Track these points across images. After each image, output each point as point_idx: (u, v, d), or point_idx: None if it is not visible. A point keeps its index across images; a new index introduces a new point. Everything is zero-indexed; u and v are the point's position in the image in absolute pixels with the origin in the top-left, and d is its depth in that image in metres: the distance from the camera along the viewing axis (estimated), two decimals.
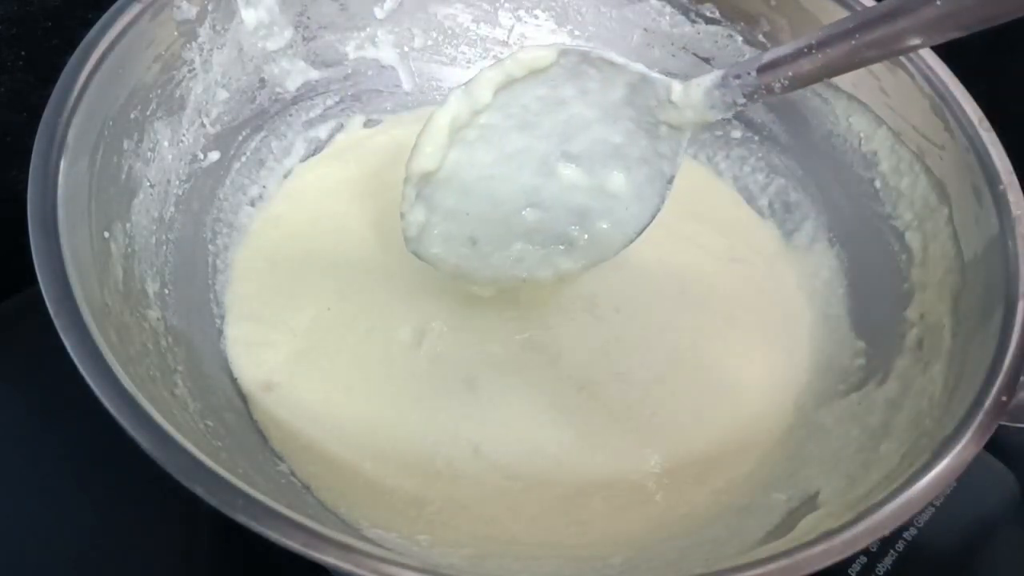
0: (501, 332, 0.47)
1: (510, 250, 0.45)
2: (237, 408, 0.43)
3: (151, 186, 0.44)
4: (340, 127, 0.57)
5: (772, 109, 0.56)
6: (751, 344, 0.50)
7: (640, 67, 0.41)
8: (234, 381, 0.44)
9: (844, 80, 0.50)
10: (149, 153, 0.43)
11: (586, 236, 0.45)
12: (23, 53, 0.52)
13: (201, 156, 0.48)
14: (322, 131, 0.56)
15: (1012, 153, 0.43)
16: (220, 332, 0.46)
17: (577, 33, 0.59)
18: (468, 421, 0.44)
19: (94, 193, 0.38)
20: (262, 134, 0.53)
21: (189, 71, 0.46)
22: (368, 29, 0.56)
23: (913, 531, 0.46)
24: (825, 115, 0.52)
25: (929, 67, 0.46)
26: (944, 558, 0.45)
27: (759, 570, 0.31)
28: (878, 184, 0.50)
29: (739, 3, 0.53)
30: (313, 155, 0.56)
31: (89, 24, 0.40)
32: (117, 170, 0.41)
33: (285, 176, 0.54)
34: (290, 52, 0.53)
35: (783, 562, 0.31)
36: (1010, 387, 0.36)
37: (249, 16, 0.49)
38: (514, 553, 0.40)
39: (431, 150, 0.42)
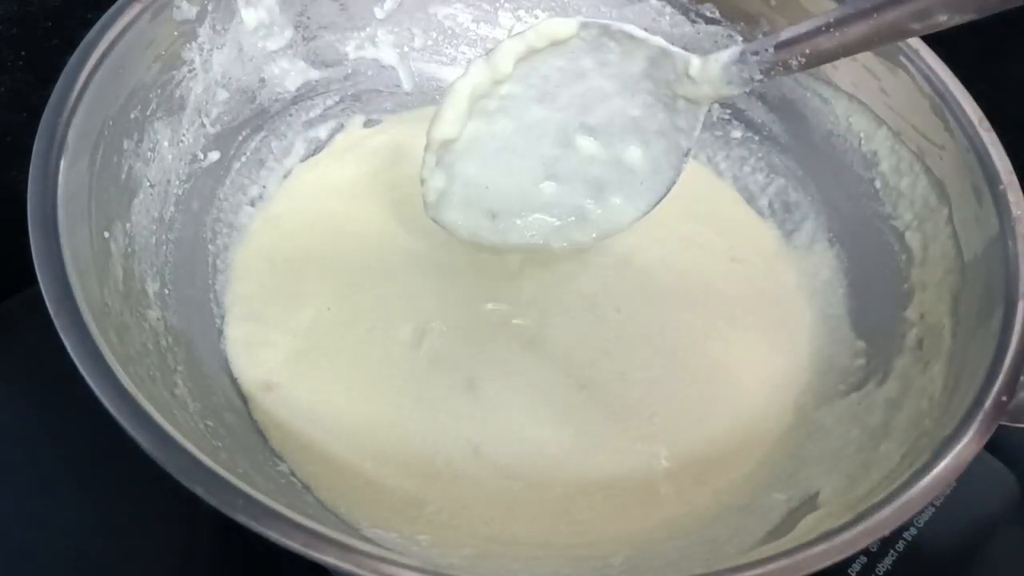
0: (501, 332, 0.47)
1: (527, 221, 0.46)
2: (237, 408, 0.43)
3: (151, 186, 0.44)
4: (340, 127, 0.57)
5: (772, 109, 0.56)
6: (751, 344, 0.50)
7: (660, 40, 0.41)
8: (234, 381, 0.44)
9: (844, 80, 0.50)
10: (149, 153, 0.43)
11: (600, 210, 0.46)
12: (23, 53, 0.52)
13: (201, 156, 0.48)
14: (322, 131, 0.56)
15: (1012, 153, 0.43)
16: (220, 332, 0.46)
17: None
18: (468, 421, 0.44)
19: (94, 193, 0.38)
20: (262, 134, 0.53)
21: (189, 71, 0.46)
22: (368, 29, 0.56)
23: (913, 531, 0.46)
24: (825, 115, 0.52)
25: (929, 67, 0.46)
26: (944, 558, 0.45)
27: (759, 570, 0.31)
28: (878, 184, 0.50)
29: (739, 3, 0.53)
30: (313, 155, 0.56)
31: (89, 24, 0.40)
32: (117, 170, 0.41)
33: (285, 176, 0.54)
34: (290, 52, 0.53)
35: (783, 562, 0.31)
36: (1010, 387, 0.36)
37: (249, 16, 0.49)
38: (514, 553, 0.40)
39: (451, 117, 0.42)
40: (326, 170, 0.55)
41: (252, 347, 0.46)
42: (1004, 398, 0.36)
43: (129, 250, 0.40)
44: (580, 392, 0.46)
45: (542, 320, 0.48)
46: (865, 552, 0.44)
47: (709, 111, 0.54)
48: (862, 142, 0.51)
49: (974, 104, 0.45)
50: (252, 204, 0.52)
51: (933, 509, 0.46)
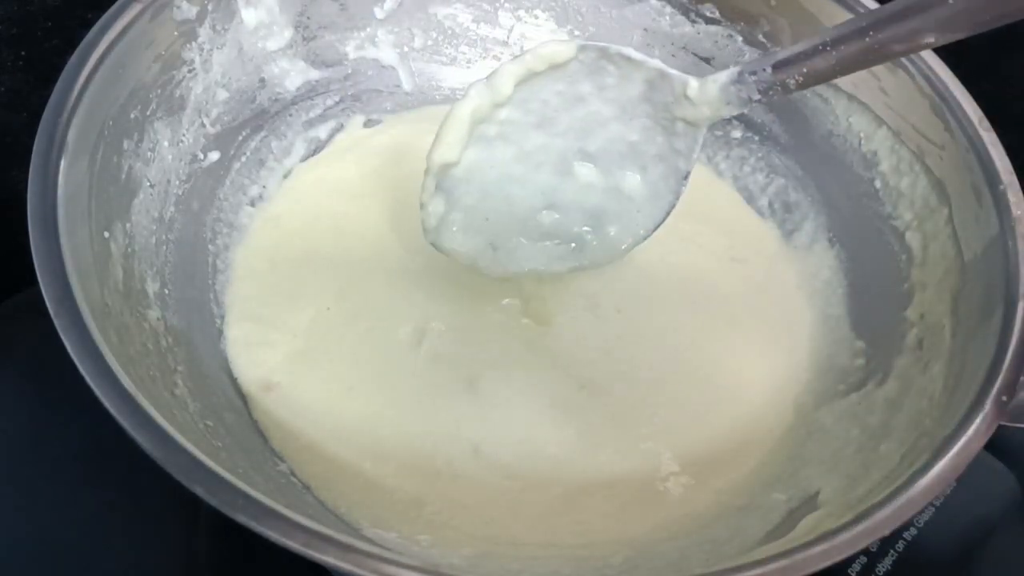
0: (502, 332, 0.47)
1: (526, 252, 0.46)
2: (237, 408, 0.43)
3: (151, 186, 0.44)
4: (340, 127, 0.57)
5: (772, 109, 0.56)
6: (751, 344, 0.50)
7: (658, 63, 0.41)
8: (234, 381, 0.44)
9: (844, 80, 0.50)
10: (149, 153, 0.43)
11: (597, 240, 0.46)
12: (23, 53, 0.52)
13: (201, 156, 0.48)
14: (322, 131, 0.56)
15: (1012, 153, 0.43)
16: (220, 332, 0.46)
17: (577, 33, 0.59)
18: (468, 421, 0.44)
19: (94, 193, 0.38)
20: (262, 134, 0.53)
21: (189, 71, 0.46)
22: (368, 29, 0.56)
23: (913, 531, 0.46)
24: (825, 115, 0.52)
25: (929, 67, 0.46)
26: (944, 558, 0.45)
27: (759, 570, 0.31)
28: (878, 184, 0.50)
29: (739, 3, 0.53)
30: (313, 155, 0.56)
31: (89, 24, 0.40)
32: (117, 170, 0.41)
33: (285, 176, 0.54)
34: (290, 52, 0.53)
35: (783, 562, 0.31)
36: (1010, 387, 0.36)
37: (249, 16, 0.49)
38: (514, 553, 0.40)
39: (452, 139, 0.42)
40: (326, 170, 0.55)
41: (252, 347, 0.46)
42: (1004, 398, 0.36)
43: (129, 250, 0.40)
44: (580, 392, 0.46)
45: (542, 320, 0.48)
46: (865, 552, 0.44)
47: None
48: (862, 142, 0.51)
49: (974, 104, 0.45)
50: (252, 204, 0.52)
51: (933, 509, 0.46)
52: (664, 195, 0.44)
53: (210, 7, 0.46)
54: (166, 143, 0.45)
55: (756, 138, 0.57)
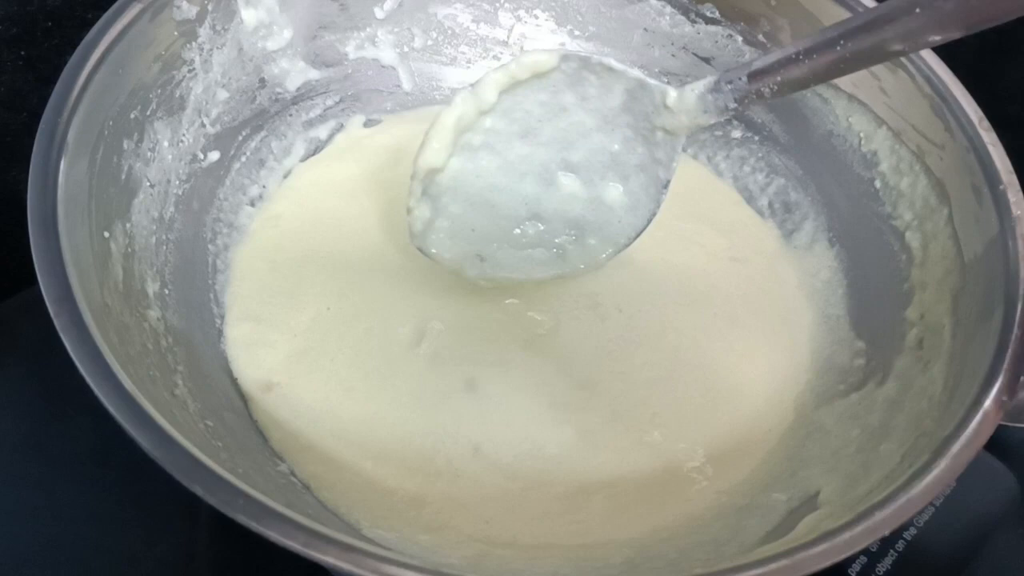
0: (501, 332, 0.47)
1: (511, 261, 0.47)
2: (237, 408, 0.43)
3: (151, 186, 0.44)
4: (340, 127, 0.57)
5: (772, 109, 0.56)
6: (751, 344, 0.50)
7: (637, 73, 0.43)
8: (234, 381, 0.44)
9: (844, 80, 0.50)
10: (149, 153, 0.43)
11: (579, 250, 0.47)
12: (23, 53, 0.52)
13: (201, 156, 0.48)
14: (322, 131, 0.56)
15: (1012, 153, 0.43)
16: (220, 332, 0.46)
17: (577, 33, 0.59)
18: (468, 421, 0.44)
19: (94, 193, 0.38)
20: (262, 134, 0.53)
21: (189, 71, 0.46)
22: (368, 29, 0.56)
23: (913, 531, 0.46)
24: (825, 115, 0.52)
25: (929, 67, 0.46)
26: (944, 558, 0.45)
27: (759, 570, 0.31)
28: (878, 184, 0.50)
29: (739, 3, 0.53)
30: (313, 155, 0.56)
31: (89, 24, 0.40)
32: (117, 170, 0.41)
33: (285, 176, 0.54)
34: (290, 52, 0.53)
35: (783, 562, 0.31)
36: (1010, 387, 0.36)
37: (249, 16, 0.49)
38: (514, 553, 0.40)
39: (437, 146, 0.44)
40: (326, 170, 0.55)
41: (252, 347, 0.46)
42: (1004, 398, 0.36)
43: (129, 250, 0.40)
44: (581, 392, 0.46)
45: (542, 320, 0.48)
46: (865, 552, 0.44)
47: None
48: (862, 142, 0.51)
49: (974, 104, 0.45)
50: (252, 204, 0.52)
51: (933, 509, 0.46)
52: (645, 204, 0.45)
53: (210, 7, 0.46)
54: (166, 143, 0.45)
55: (756, 138, 0.57)
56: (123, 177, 0.41)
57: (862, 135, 0.50)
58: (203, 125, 0.48)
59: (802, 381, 0.49)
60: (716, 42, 0.55)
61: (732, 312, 0.51)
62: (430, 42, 0.59)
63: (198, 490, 0.29)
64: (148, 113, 0.43)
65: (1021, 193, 0.42)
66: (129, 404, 0.31)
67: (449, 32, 0.59)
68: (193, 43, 0.46)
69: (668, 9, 0.56)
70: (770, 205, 0.57)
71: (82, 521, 0.44)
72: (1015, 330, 0.38)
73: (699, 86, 0.41)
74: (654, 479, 0.44)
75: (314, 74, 0.55)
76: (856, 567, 0.44)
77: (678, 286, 0.51)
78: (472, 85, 0.43)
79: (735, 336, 0.50)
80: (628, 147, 0.44)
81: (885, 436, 0.40)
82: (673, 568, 0.38)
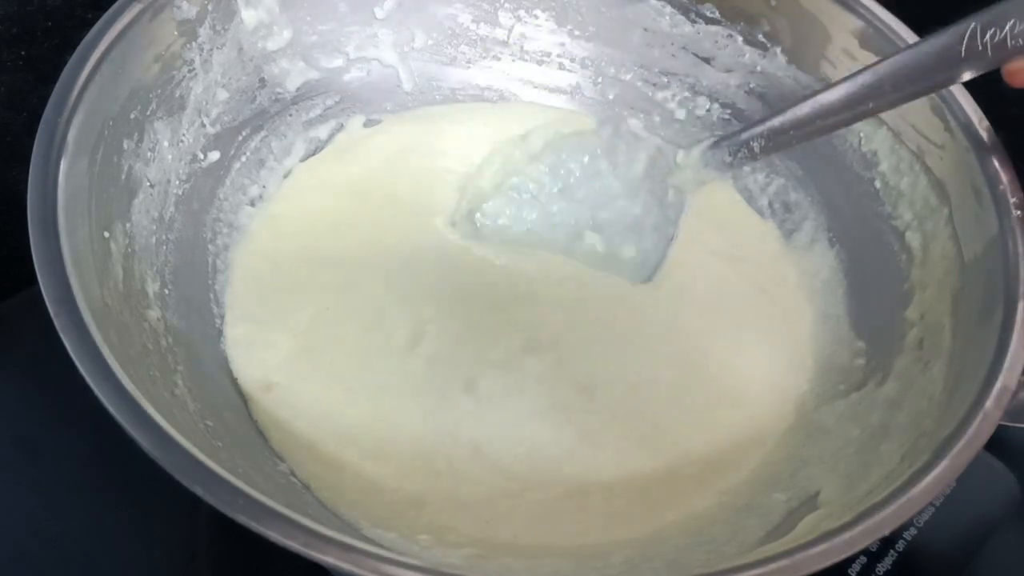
0: (501, 332, 0.47)
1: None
2: (237, 408, 0.43)
3: (151, 186, 0.44)
4: (340, 127, 0.57)
5: (772, 109, 0.56)
6: (751, 344, 0.50)
7: (658, 140, 0.51)
8: (234, 381, 0.44)
9: None
10: (149, 153, 0.43)
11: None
12: (23, 53, 0.52)
13: (201, 156, 0.48)
14: (322, 131, 0.56)
15: (1012, 153, 0.43)
16: (220, 332, 0.46)
17: (577, 33, 0.59)
18: (468, 421, 0.44)
19: (94, 193, 0.38)
20: (262, 134, 0.53)
21: (189, 71, 0.46)
22: (368, 29, 0.56)
23: (913, 531, 0.46)
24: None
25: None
26: (944, 558, 0.45)
27: (759, 570, 0.31)
28: (878, 184, 0.50)
29: (739, 3, 0.53)
30: (313, 155, 0.56)
31: (89, 24, 0.40)
32: (117, 170, 0.41)
33: (285, 176, 0.54)
34: (290, 52, 0.53)
35: (783, 562, 0.31)
36: (1010, 387, 0.36)
37: (249, 16, 0.49)
38: (514, 553, 0.40)
39: (488, 175, 0.52)
40: (326, 170, 0.55)
41: (252, 347, 0.46)
42: (1004, 398, 0.36)
43: (129, 250, 0.40)
44: (581, 392, 0.46)
45: (542, 321, 0.48)
46: (865, 552, 0.44)
47: (708, 111, 0.55)
48: (862, 142, 0.51)
49: (974, 104, 0.45)
50: (252, 204, 0.52)
51: (933, 509, 0.46)
52: (652, 259, 0.51)
53: (210, 7, 0.46)
54: (166, 143, 0.45)
55: None
56: (123, 177, 0.41)
57: (862, 135, 0.50)
58: (203, 125, 0.48)
59: (802, 381, 0.49)
60: (716, 42, 0.55)
61: (732, 312, 0.51)
62: (430, 42, 0.59)
63: (198, 490, 0.29)
64: (148, 113, 0.43)
65: (1021, 193, 0.42)
66: (129, 404, 0.31)
67: (449, 32, 0.59)
68: (193, 43, 0.46)
69: (668, 9, 0.56)
70: (770, 205, 0.57)
71: (81, 521, 0.44)
72: (1015, 330, 0.38)
73: (702, 145, 0.48)
74: (654, 480, 0.44)
75: (314, 74, 0.55)
76: (856, 567, 0.44)
77: (678, 286, 0.51)
78: (522, 136, 0.52)
79: (735, 336, 0.50)
80: (646, 210, 0.50)
81: (885, 436, 0.40)
82: (673, 568, 0.38)
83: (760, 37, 0.54)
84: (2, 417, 0.47)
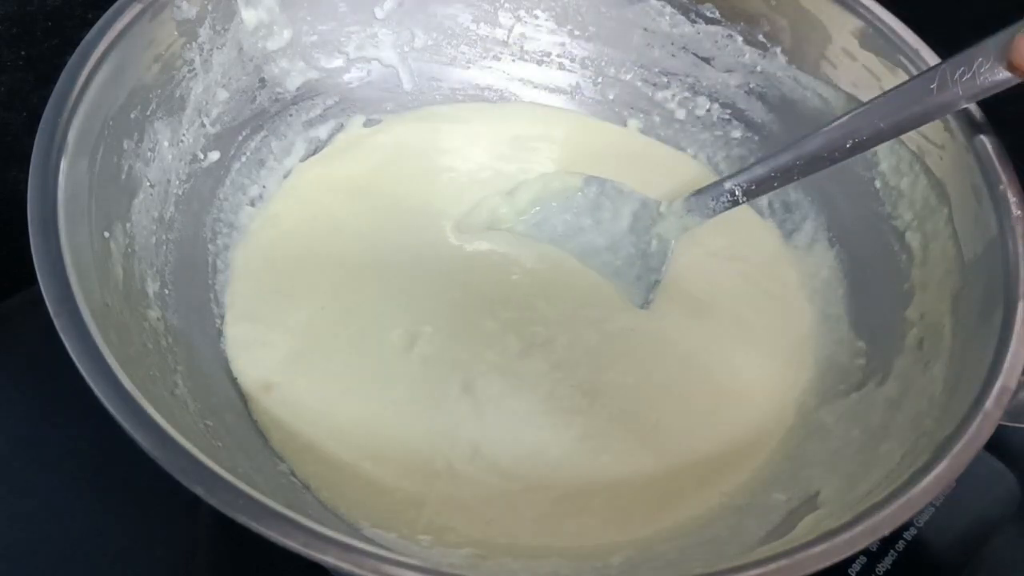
0: (499, 333, 0.47)
1: None
2: (237, 408, 0.43)
3: (151, 186, 0.44)
4: (340, 127, 0.57)
5: (772, 109, 0.56)
6: (751, 344, 0.50)
7: (642, 195, 0.52)
8: (234, 381, 0.44)
9: (844, 80, 0.50)
10: (149, 153, 0.43)
11: None
12: (23, 53, 0.52)
13: (201, 156, 0.48)
14: (322, 131, 0.56)
15: (1012, 153, 0.43)
16: (220, 332, 0.46)
17: (577, 33, 0.59)
18: (467, 422, 0.44)
19: (94, 193, 0.38)
20: (262, 134, 0.53)
21: (189, 71, 0.46)
22: (368, 29, 0.56)
23: (913, 531, 0.46)
24: (825, 115, 0.52)
25: (929, 66, 0.46)
26: (944, 558, 0.45)
27: (759, 570, 0.31)
28: (878, 184, 0.50)
29: (739, 3, 0.53)
30: (313, 155, 0.56)
31: (89, 24, 0.40)
32: (117, 170, 0.41)
33: (285, 176, 0.54)
34: (290, 52, 0.53)
35: (783, 562, 0.31)
36: (1010, 387, 0.36)
37: (249, 16, 0.49)
38: (514, 553, 0.40)
39: (478, 223, 0.52)
40: (326, 170, 0.55)
41: (252, 347, 0.46)
42: (1004, 398, 0.36)
43: (129, 250, 0.40)
44: (580, 393, 0.46)
45: (541, 322, 0.48)
46: (865, 552, 0.44)
47: (708, 111, 0.55)
48: None
49: (974, 104, 0.45)
50: (252, 204, 0.52)
51: (933, 509, 0.46)
52: (636, 302, 0.51)
53: (210, 7, 0.46)
54: (166, 143, 0.45)
55: (756, 138, 0.57)
56: (123, 177, 0.41)
57: None
58: (203, 125, 0.48)
59: (802, 381, 0.49)
60: (716, 42, 0.55)
61: (732, 312, 0.51)
62: (430, 42, 0.59)
63: (198, 490, 0.29)
64: (148, 113, 0.43)
65: (1021, 193, 0.42)
66: (129, 404, 0.31)
67: (449, 32, 0.59)
68: (193, 43, 0.46)
69: (668, 9, 0.56)
70: (770, 205, 0.57)
71: (81, 521, 0.44)
72: (1015, 330, 0.38)
73: (686, 195, 0.50)
74: (655, 480, 0.44)
75: (314, 74, 0.55)
76: (856, 567, 0.44)
77: (678, 287, 0.51)
78: (510, 192, 0.53)
79: (735, 336, 0.50)
80: (629, 262, 0.52)
81: (885, 436, 0.40)
82: (673, 568, 0.38)
83: (760, 37, 0.54)
84: (2, 417, 0.47)
